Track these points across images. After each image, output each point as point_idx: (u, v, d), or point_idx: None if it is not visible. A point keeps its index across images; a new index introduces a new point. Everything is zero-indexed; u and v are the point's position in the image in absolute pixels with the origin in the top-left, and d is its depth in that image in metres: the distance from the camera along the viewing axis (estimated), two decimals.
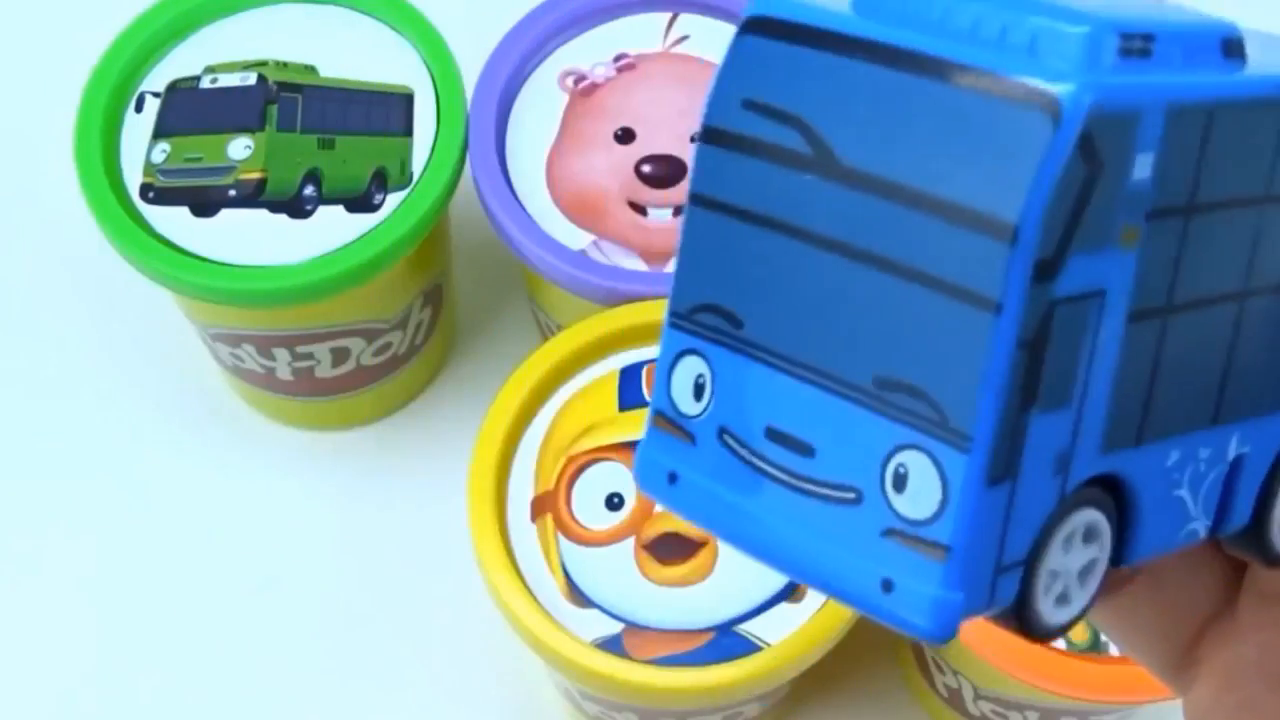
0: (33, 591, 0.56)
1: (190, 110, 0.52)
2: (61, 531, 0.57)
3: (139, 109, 0.52)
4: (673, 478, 0.20)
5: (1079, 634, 0.44)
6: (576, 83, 0.53)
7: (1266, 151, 0.19)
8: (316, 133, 0.52)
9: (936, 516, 0.17)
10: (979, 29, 0.17)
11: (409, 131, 0.52)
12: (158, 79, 0.52)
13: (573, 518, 0.45)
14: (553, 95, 0.53)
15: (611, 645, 0.43)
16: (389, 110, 0.52)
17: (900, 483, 0.17)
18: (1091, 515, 0.19)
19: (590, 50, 0.54)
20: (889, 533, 0.18)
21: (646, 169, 0.52)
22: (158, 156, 0.51)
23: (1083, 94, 0.16)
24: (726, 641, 0.44)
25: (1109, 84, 0.16)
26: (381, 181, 0.51)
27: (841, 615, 0.44)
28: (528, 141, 0.52)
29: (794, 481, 0.18)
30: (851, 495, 0.18)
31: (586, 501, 0.46)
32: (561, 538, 0.45)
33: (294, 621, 0.55)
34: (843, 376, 0.18)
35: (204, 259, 0.49)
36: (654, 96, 0.53)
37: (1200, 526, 0.21)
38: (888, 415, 0.17)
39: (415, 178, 0.51)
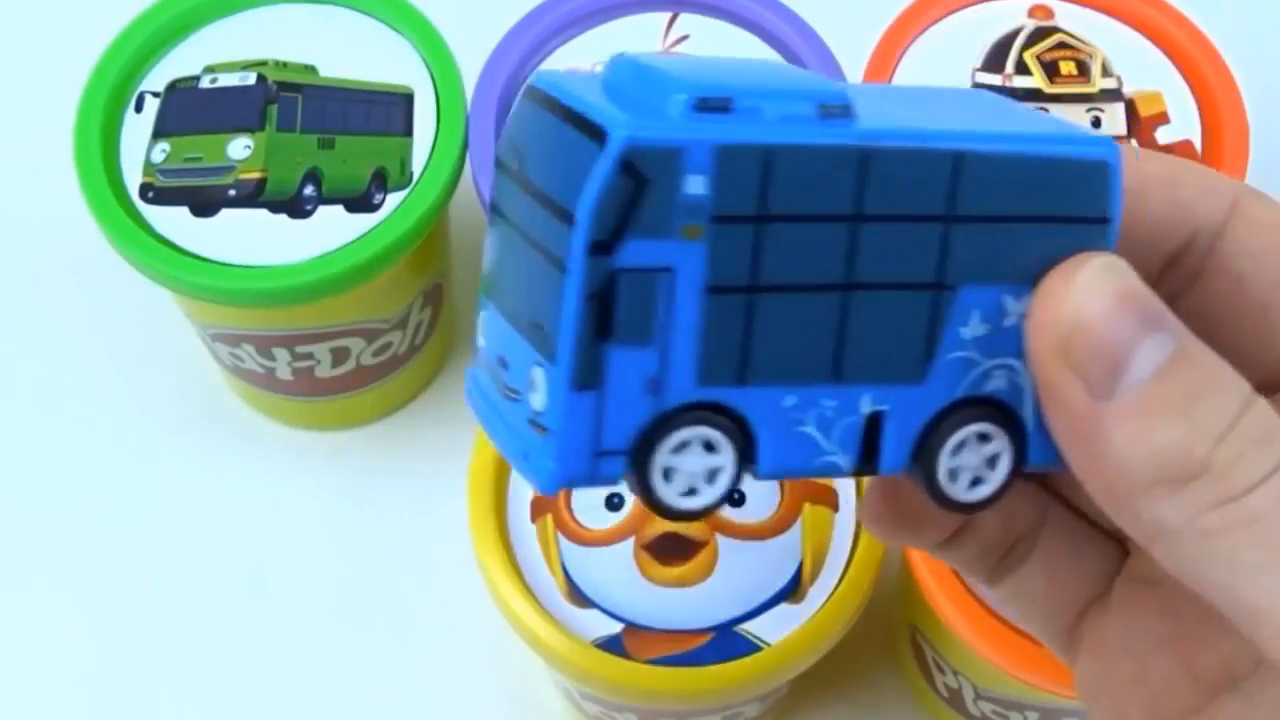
0: (30, 590, 0.56)
1: (190, 110, 0.52)
2: (60, 530, 0.57)
3: (139, 109, 0.52)
4: (472, 393, 0.28)
5: None
6: None
7: (848, 181, 0.24)
8: (316, 132, 0.52)
9: (547, 410, 0.24)
10: (629, 97, 0.24)
11: (409, 131, 0.52)
12: (158, 79, 0.52)
13: (572, 518, 0.45)
14: None
15: (611, 645, 0.43)
16: (389, 110, 0.52)
17: (533, 387, 0.25)
18: (705, 430, 0.25)
19: (590, 50, 0.54)
20: (529, 421, 0.25)
21: None
22: (157, 156, 0.51)
23: (624, 134, 0.23)
24: (726, 641, 0.44)
25: (651, 128, 0.23)
26: (381, 181, 0.51)
27: (842, 615, 0.44)
28: None
29: (503, 389, 0.26)
30: (518, 396, 0.25)
31: (586, 501, 0.45)
32: (561, 538, 0.45)
33: (293, 621, 0.55)
34: (519, 320, 0.25)
35: (204, 259, 0.49)
36: None
37: (841, 461, 0.26)
38: (532, 344, 0.25)
39: (415, 178, 0.51)
